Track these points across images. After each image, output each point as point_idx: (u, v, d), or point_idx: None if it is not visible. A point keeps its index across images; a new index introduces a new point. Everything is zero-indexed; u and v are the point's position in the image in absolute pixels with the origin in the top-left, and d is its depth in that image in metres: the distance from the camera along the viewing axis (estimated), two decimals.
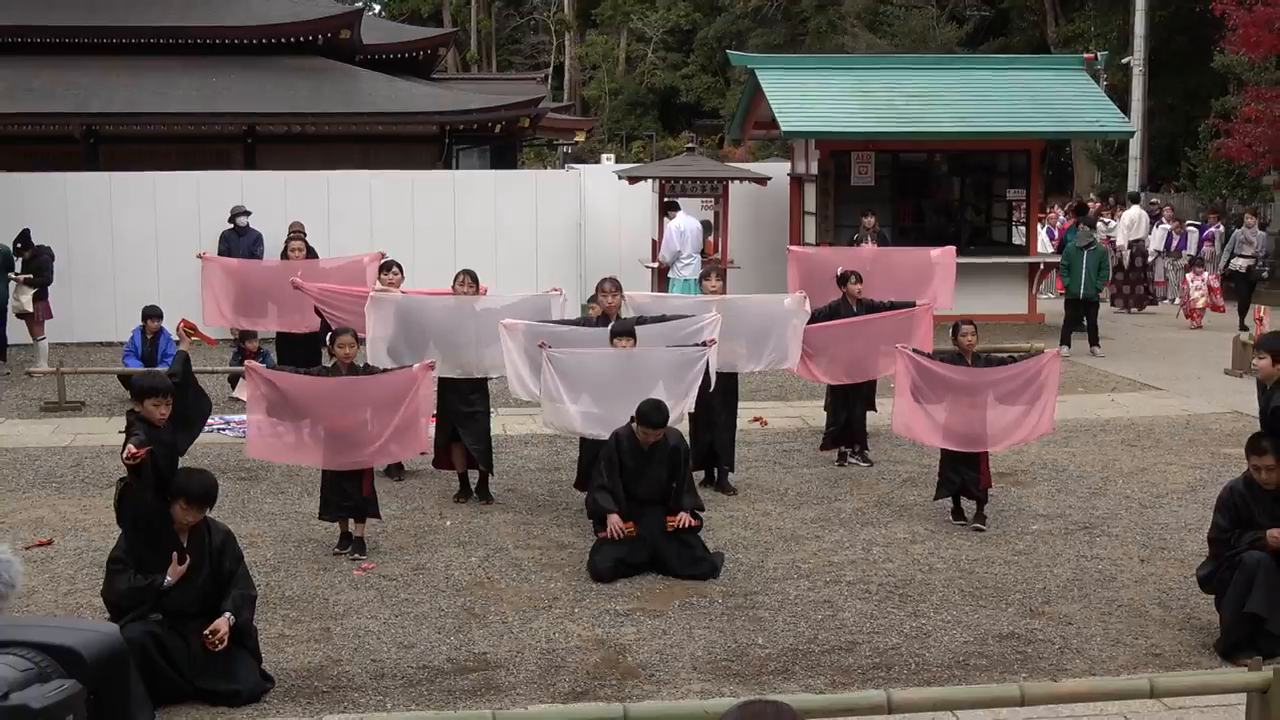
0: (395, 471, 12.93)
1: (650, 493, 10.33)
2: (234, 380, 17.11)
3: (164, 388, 8.78)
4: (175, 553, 7.92)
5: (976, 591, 9.78)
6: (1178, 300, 25.61)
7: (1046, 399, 11.40)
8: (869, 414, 14.02)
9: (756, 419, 15.53)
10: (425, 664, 8.43)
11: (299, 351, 14.98)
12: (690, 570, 10.06)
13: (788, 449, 14.30)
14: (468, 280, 12.54)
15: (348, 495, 10.68)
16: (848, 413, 13.68)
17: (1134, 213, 27.22)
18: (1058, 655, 8.56)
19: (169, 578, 7.88)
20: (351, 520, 10.74)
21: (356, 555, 10.54)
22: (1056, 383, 11.56)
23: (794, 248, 16.71)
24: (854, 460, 13.63)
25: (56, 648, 2.95)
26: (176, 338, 8.93)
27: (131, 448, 8.14)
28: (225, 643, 7.83)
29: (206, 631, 7.80)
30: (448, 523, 11.61)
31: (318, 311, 13.62)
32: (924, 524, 11.51)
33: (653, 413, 10.25)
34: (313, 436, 10.61)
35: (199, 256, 15.83)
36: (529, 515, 11.81)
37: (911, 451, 13.82)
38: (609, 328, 11.56)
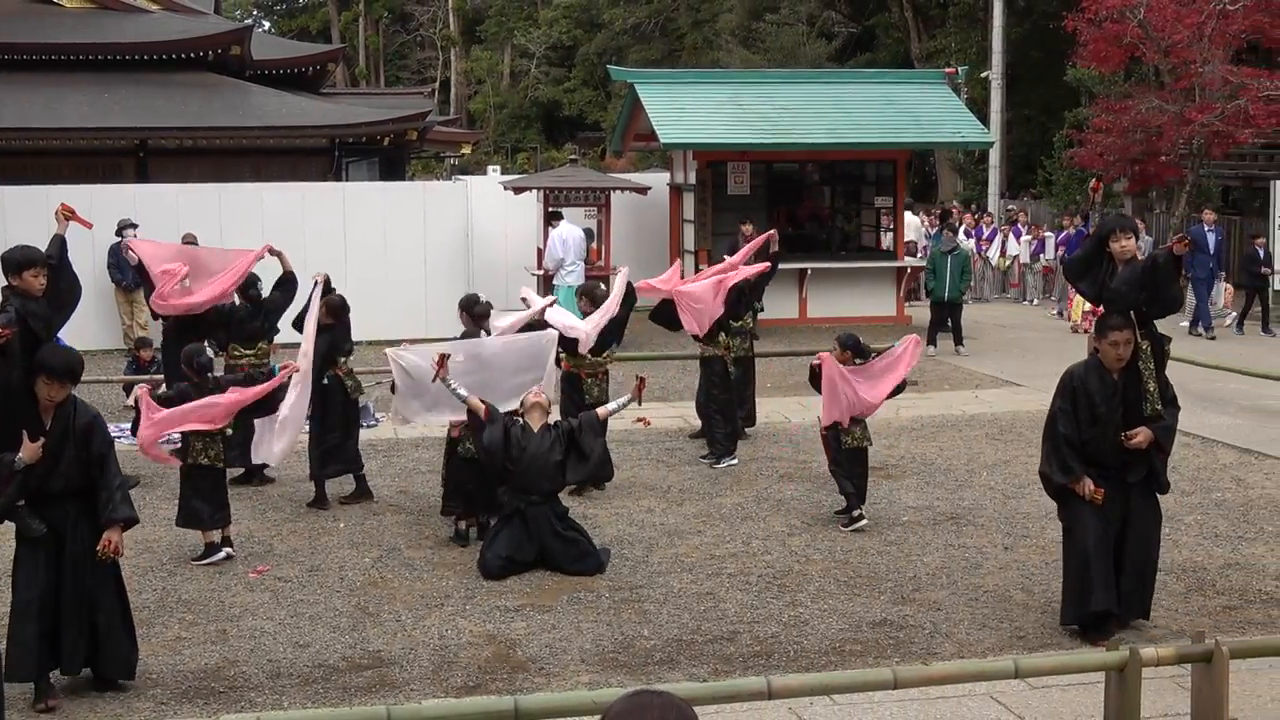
0: (258, 475, 12.73)
1: (539, 481, 10.22)
2: (128, 389, 16.79)
3: (40, 259, 8.28)
4: (27, 431, 7.59)
5: (851, 581, 9.86)
6: (1062, 304, 25.80)
7: (899, 371, 11.51)
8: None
9: (640, 420, 15.50)
10: (321, 662, 8.33)
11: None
12: (577, 566, 10.05)
13: (670, 448, 14.33)
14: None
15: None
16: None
17: (911, 220, 27.79)
18: (928, 640, 8.66)
19: (21, 455, 7.55)
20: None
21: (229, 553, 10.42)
22: (908, 363, 11.57)
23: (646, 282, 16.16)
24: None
25: None
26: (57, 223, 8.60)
27: None
28: (122, 553, 7.73)
29: (98, 550, 7.63)
30: (341, 525, 11.49)
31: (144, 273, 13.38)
32: (800, 517, 11.59)
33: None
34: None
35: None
36: (420, 516, 11.72)
37: (788, 448, 13.93)
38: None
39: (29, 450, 7.57)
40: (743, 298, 14.19)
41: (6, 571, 8.19)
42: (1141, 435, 8.50)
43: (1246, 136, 26.58)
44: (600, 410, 10.81)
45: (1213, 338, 22.50)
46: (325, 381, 11.97)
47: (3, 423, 7.70)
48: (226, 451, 10.69)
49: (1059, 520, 8.97)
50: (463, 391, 10.36)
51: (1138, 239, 8.85)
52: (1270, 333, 23.17)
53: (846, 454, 11.33)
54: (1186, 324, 22.64)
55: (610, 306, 12.89)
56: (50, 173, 24.84)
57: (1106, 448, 8.54)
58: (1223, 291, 23.18)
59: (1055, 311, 25.82)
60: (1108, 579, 8.54)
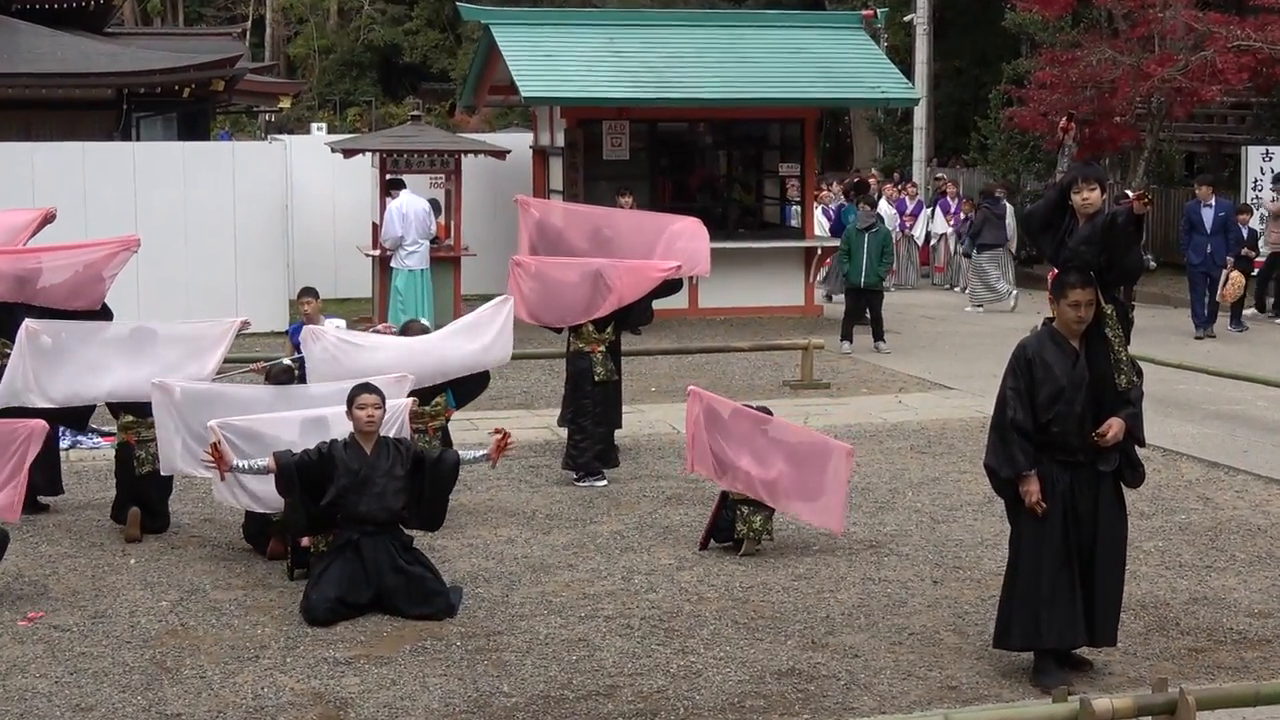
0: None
1: (375, 507, 10.19)
2: None
3: None
4: None
5: (752, 623, 9.93)
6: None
7: (832, 497, 11.57)
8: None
9: (498, 431, 15.47)
10: None
11: None
12: (422, 609, 10.00)
13: (534, 465, 14.33)
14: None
15: None
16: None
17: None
18: (844, 692, 8.74)
19: None
20: None
21: None
22: (845, 480, 11.66)
23: (524, 197, 16.69)
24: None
25: None
26: None
27: None
28: None
29: None
30: (132, 560, 11.33)
31: None
32: (691, 548, 11.63)
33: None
34: None
35: None
36: (228, 551, 11.60)
37: (676, 464, 13.98)
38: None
39: None
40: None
41: None
42: (1114, 429, 8.64)
43: (1213, 94, 27.15)
44: (461, 453, 10.84)
45: (1212, 336, 22.80)
46: None
47: None
48: None
49: (1007, 521, 9.06)
50: (260, 463, 10.42)
51: (1103, 191, 9.02)
52: (1241, 326, 23.63)
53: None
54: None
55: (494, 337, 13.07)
56: None
57: (1073, 428, 8.65)
58: (1229, 281, 23.23)
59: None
60: (1069, 600, 8.66)
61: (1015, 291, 25.97)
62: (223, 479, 10.66)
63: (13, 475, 10.54)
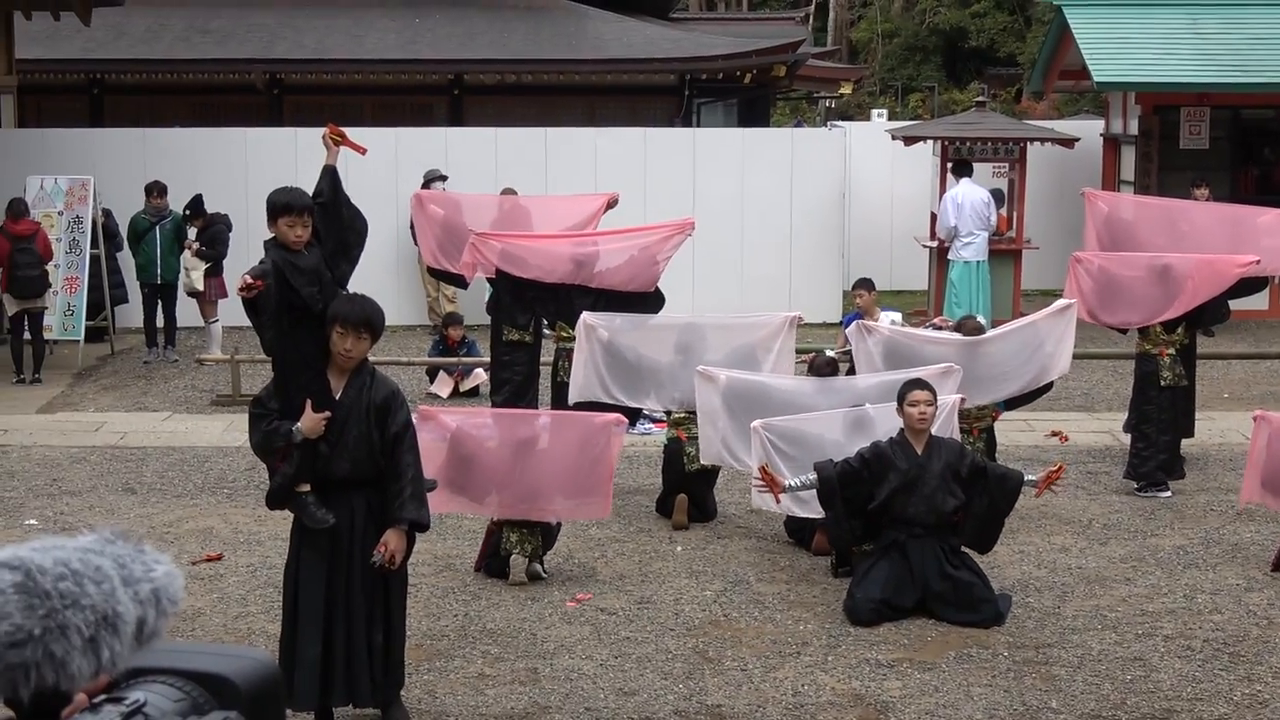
0: None
1: (925, 510, 10.19)
2: (432, 374, 17.51)
3: (300, 204, 8.25)
4: (310, 399, 7.82)
5: None
6: None
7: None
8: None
9: (1055, 434, 15.31)
10: (648, 714, 8.50)
11: None
12: (969, 615, 9.96)
13: (1093, 471, 14.06)
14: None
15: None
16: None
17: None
18: None
19: (300, 427, 7.78)
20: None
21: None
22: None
23: (1091, 190, 16.19)
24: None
25: (209, 676, 3.05)
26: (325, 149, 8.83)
27: (247, 277, 7.88)
28: (398, 562, 7.86)
29: (375, 554, 7.76)
30: (679, 548, 11.69)
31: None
32: (1261, 568, 11.21)
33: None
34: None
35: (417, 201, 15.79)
36: (773, 543, 11.83)
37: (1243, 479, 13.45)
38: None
39: (310, 421, 7.79)
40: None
41: (271, 573, 8.87)
42: None
43: None
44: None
45: None
46: None
47: (285, 393, 7.98)
48: None
49: None
50: (810, 478, 10.48)
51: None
52: None
53: None
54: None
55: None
56: (350, 113, 26.02)
57: None
58: None
59: None
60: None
61: None
62: (777, 502, 10.82)
63: (603, 474, 10.87)
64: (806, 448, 10.87)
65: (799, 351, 14.39)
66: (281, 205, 8.20)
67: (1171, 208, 15.83)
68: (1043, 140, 22.48)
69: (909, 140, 22.97)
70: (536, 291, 13.85)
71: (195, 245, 19.03)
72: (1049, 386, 13.11)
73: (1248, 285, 13.82)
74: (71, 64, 27.11)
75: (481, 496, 10.76)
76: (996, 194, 21.87)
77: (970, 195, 20.88)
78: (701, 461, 12.09)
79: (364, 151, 9.18)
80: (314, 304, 8.01)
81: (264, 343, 8.20)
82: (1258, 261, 13.55)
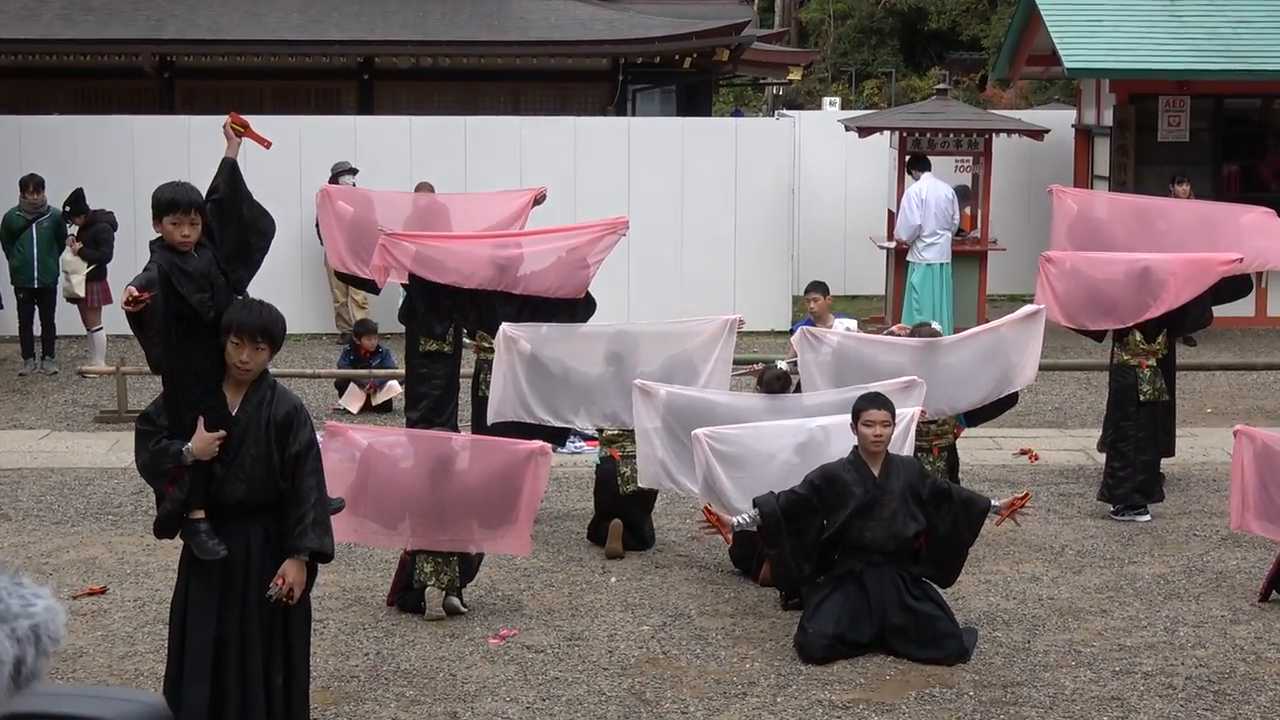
0: None
1: (884, 536, 10.21)
2: (341, 386, 17.44)
3: (187, 201, 7.99)
4: (203, 416, 7.68)
5: None
6: None
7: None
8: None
9: (1024, 452, 15.38)
10: None
11: None
12: (931, 651, 9.99)
13: (1065, 493, 14.14)
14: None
15: None
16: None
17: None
18: None
19: (191, 447, 7.65)
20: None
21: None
22: None
23: (1059, 187, 16.23)
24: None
25: None
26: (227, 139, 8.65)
27: (132, 289, 7.65)
28: (296, 595, 7.73)
29: (272, 587, 7.64)
30: (613, 579, 11.68)
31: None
32: (1249, 598, 11.30)
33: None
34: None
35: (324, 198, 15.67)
36: (716, 573, 11.83)
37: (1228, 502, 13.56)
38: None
39: (202, 441, 7.67)
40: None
41: (160, 608, 8.61)
42: None
43: None
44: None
45: None
46: None
47: (175, 409, 7.85)
48: None
49: None
50: (755, 513, 10.50)
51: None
52: None
53: None
54: None
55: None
56: (249, 99, 25.83)
57: None
58: None
59: None
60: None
61: None
62: (729, 542, 10.85)
63: (524, 508, 10.85)
64: (747, 468, 10.89)
65: (743, 362, 14.41)
66: (166, 202, 7.99)
67: (1149, 205, 15.95)
68: (1009, 132, 22.59)
69: (864, 131, 23.01)
70: (454, 298, 13.63)
71: (77, 245, 18.87)
72: (1013, 399, 13.16)
73: (1232, 288, 13.92)
74: None
75: (394, 523, 10.73)
76: (961, 190, 21.95)
77: (934, 191, 20.92)
78: (638, 484, 12.08)
79: (269, 145, 9.06)
80: (205, 312, 7.83)
81: (150, 359, 7.98)
82: (1240, 260, 13.65)
